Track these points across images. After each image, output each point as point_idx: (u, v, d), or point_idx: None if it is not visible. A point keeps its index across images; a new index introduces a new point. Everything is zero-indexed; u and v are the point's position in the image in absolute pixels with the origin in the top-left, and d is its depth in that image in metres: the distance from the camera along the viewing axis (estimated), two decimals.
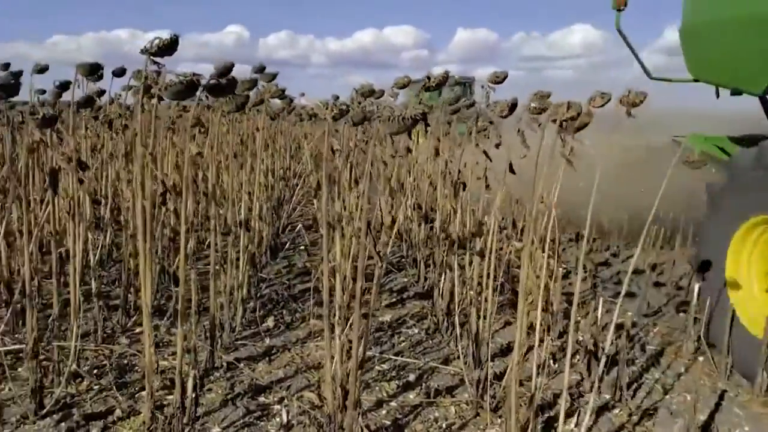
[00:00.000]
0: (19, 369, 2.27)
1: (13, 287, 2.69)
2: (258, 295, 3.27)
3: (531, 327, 1.85)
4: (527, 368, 1.89)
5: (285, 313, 3.09)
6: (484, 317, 2.19)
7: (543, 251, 1.81)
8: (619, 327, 2.26)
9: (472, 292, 2.32)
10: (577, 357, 2.43)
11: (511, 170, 1.83)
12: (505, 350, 2.66)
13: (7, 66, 2.18)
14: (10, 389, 2.09)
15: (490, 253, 1.97)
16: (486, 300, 2.13)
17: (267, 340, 2.73)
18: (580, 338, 2.38)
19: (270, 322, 2.94)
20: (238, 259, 2.77)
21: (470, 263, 2.34)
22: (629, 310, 3.01)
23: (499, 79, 2.11)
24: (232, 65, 1.72)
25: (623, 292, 1.63)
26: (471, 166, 2.50)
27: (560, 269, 2.15)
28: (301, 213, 5.89)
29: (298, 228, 4.71)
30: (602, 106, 1.38)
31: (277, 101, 3.62)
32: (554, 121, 1.35)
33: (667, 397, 2.30)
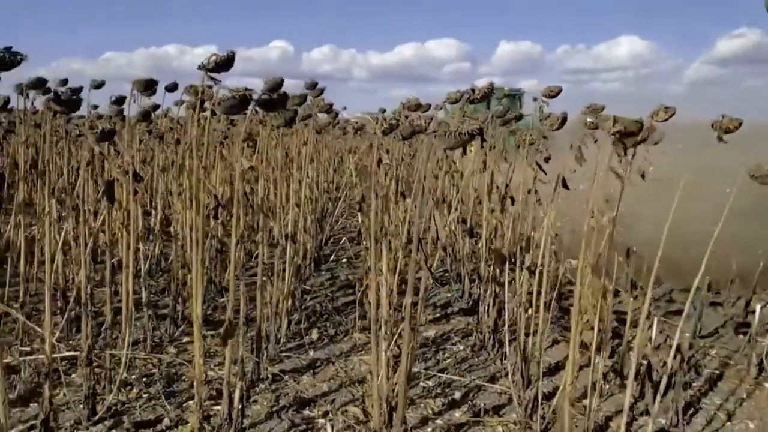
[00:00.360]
0: (73, 375, 2.33)
1: (68, 295, 2.76)
2: (302, 307, 3.28)
3: (583, 346, 1.79)
4: (577, 389, 1.83)
5: (329, 326, 3.09)
6: (534, 334, 2.14)
7: (595, 270, 1.75)
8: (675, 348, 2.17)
9: (520, 309, 2.27)
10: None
11: (564, 185, 1.79)
12: (554, 369, 2.59)
13: (65, 82, 2.26)
14: (64, 394, 2.14)
15: (541, 269, 1.93)
16: (536, 317, 2.08)
17: (311, 353, 2.74)
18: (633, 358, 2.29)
19: (314, 334, 2.94)
20: (283, 270, 2.78)
21: (519, 279, 2.30)
22: (685, 331, 2.90)
23: (553, 93, 2.08)
24: (282, 81, 1.74)
25: (686, 312, 1.57)
26: (519, 179, 2.46)
27: (612, 287, 2.08)
28: (344, 226, 5.92)
29: (342, 240, 4.72)
30: (666, 120, 1.33)
31: (324, 115, 3.65)
32: (613, 135, 1.30)
33: (729, 423, 2.19)
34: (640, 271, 2.23)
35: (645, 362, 2.18)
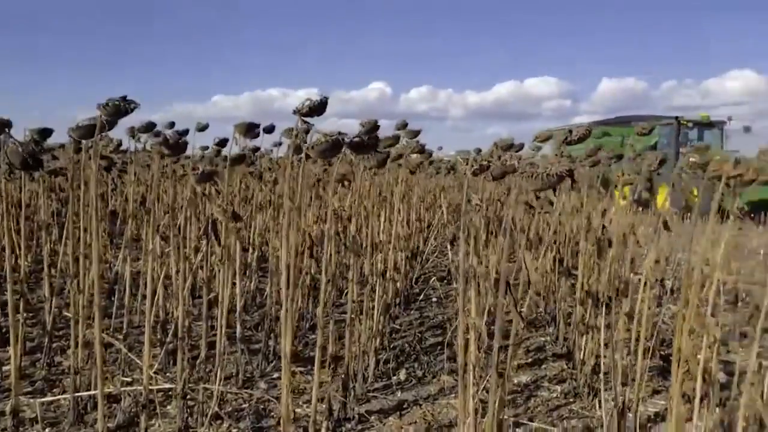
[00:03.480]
0: (168, 407, 2.42)
1: (167, 328, 2.90)
2: (391, 346, 3.27)
3: (686, 397, 1.66)
4: None
5: (416, 367, 3.04)
6: (632, 381, 2.00)
7: (698, 316, 1.63)
8: None
9: (617, 356, 2.14)
10: None
11: (666, 227, 1.68)
12: (653, 422, 2.41)
13: (172, 125, 2.42)
14: (159, 425, 2.22)
15: (640, 314, 1.82)
16: (634, 365, 1.95)
17: (398, 394, 2.70)
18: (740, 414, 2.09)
19: (402, 375, 2.91)
20: (372, 308, 2.79)
21: (616, 324, 2.18)
22: None
23: (644, 131, 1.99)
24: (378, 125, 1.78)
25: None
26: (619, 220, 2.36)
27: (718, 334, 1.93)
28: (434, 264, 5.88)
29: (432, 280, 4.69)
30: None
31: (416, 155, 3.69)
32: (732, 178, 1.21)
33: None
34: (751, 318, 2.07)
35: (755, 419, 1.98)
